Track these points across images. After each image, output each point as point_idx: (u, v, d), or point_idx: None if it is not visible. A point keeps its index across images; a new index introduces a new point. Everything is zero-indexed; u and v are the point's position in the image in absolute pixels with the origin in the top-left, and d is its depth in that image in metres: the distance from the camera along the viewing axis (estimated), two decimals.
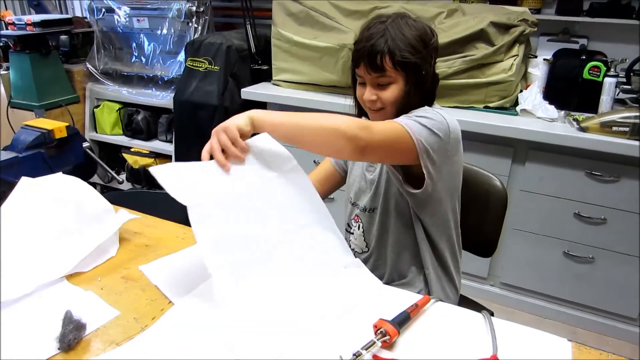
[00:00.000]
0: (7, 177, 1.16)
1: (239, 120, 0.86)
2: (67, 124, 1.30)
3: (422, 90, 1.00)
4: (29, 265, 0.89)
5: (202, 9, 2.53)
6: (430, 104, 1.04)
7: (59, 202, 0.99)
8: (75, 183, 1.04)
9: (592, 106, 1.82)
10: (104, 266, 0.96)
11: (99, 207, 1.03)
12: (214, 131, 0.87)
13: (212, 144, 0.85)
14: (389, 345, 0.74)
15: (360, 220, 1.17)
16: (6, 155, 1.20)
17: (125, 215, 1.04)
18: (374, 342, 0.72)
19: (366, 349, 0.70)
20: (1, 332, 0.75)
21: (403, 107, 1.00)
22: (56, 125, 1.27)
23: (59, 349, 0.72)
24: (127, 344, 0.74)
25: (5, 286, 0.84)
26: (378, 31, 0.96)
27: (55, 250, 0.93)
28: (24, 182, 1.00)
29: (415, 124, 0.93)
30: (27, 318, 0.80)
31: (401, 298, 0.87)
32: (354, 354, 0.69)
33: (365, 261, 1.14)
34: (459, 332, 0.80)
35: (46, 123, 1.29)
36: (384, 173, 1.09)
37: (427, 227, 1.08)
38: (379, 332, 0.74)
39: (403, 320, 0.77)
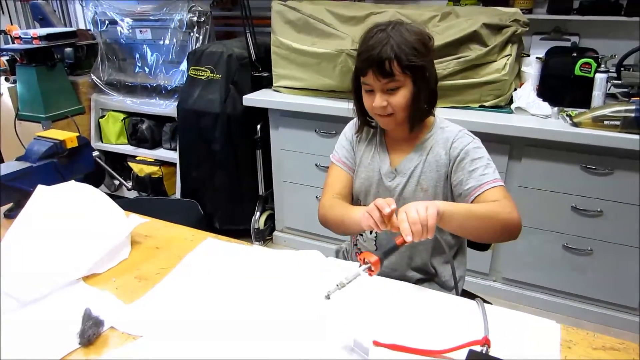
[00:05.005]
0: (22, 186, 1.21)
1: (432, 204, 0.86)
2: (77, 134, 1.36)
3: (427, 91, 1.04)
4: (47, 268, 0.95)
5: (202, 19, 2.58)
6: (433, 104, 1.08)
7: (74, 208, 1.05)
8: (88, 190, 1.09)
9: (585, 102, 1.85)
10: (118, 267, 1.02)
11: (111, 212, 1.08)
12: (414, 205, 0.85)
13: (411, 217, 0.83)
14: (381, 334, 0.78)
15: None
16: (21, 165, 1.25)
17: (136, 219, 1.09)
18: (358, 273, 0.77)
19: (349, 281, 0.75)
20: (24, 329, 0.81)
21: (412, 110, 1.03)
22: (67, 136, 1.33)
23: (79, 343, 0.78)
24: (143, 338, 0.80)
25: (26, 288, 0.89)
26: (382, 39, 0.97)
27: (71, 253, 0.98)
28: (40, 190, 1.06)
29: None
30: (48, 316, 0.85)
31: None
32: (337, 285, 0.74)
33: None
34: (454, 318, 0.84)
35: (58, 134, 1.34)
36: (405, 181, 1.10)
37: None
38: (364, 262, 0.79)
39: (389, 250, 0.82)
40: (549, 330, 0.81)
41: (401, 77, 0.99)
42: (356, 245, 1.23)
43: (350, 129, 1.24)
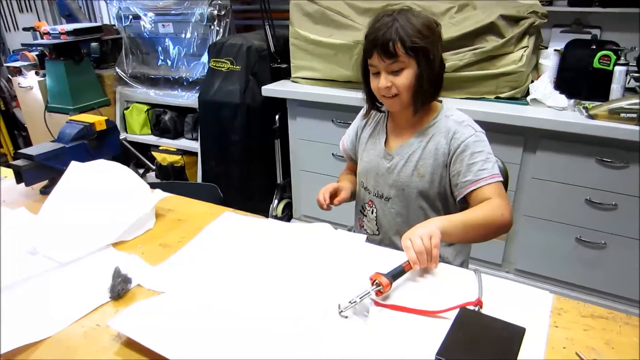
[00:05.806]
0: (56, 165, 1.30)
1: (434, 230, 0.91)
2: (106, 117, 1.44)
3: (432, 74, 1.06)
4: (81, 234, 1.03)
5: (223, 13, 2.66)
6: (439, 89, 1.11)
7: (104, 182, 1.12)
8: (117, 167, 1.17)
9: (603, 95, 1.83)
10: (143, 236, 1.09)
11: (138, 187, 1.16)
12: (418, 234, 0.90)
13: (417, 246, 0.88)
14: (382, 295, 0.83)
15: (374, 206, 1.23)
16: (54, 146, 1.34)
17: (160, 194, 1.16)
18: (369, 292, 0.81)
19: (360, 298, 0.80)
20: (63, 285, 0.89)
21: (416, 92, 1.06)
22: (97, 119, 1.41)
23: (110, 297, 0.86)
24: (167, 293, 0.87)
25: (63, 251, 0.98)
26: (387, 22, 1.02)
27: (102, 222, 1.06)
28: (74, 166, 1.14)
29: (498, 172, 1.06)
30: (84, 275, 0.94)
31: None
32: (350, 302, 0.79)
33: (376, 243, 1.22)
34: (452, 285, 0.88)
35: (88, 117, 1.43)
36: (402, 164, 1.14)
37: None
38: (374, 283, 0.83)
39: (397, 274, 0.86)
40: (541, 298, 0.84)
41: (405, 59, 1.03)
42: (362, 227, 1.29)
43: (359, 116, 1.29)
